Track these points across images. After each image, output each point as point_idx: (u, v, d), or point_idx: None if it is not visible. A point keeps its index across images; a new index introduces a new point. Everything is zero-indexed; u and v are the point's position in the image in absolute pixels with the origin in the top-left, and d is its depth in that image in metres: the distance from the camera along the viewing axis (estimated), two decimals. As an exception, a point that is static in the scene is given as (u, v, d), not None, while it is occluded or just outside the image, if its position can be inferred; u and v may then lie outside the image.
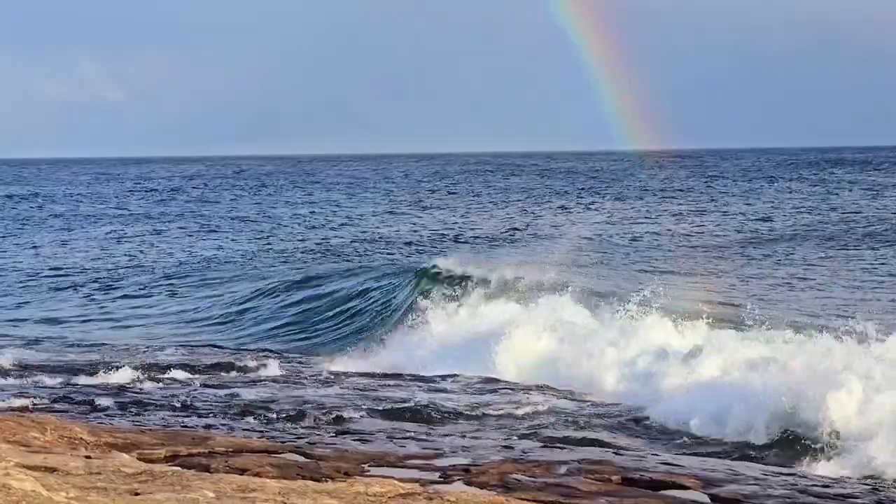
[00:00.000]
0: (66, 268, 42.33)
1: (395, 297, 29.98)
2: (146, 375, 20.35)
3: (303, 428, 16.28)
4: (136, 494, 6.98)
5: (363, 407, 17.77)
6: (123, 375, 20.32)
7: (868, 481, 13.68)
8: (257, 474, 10.70)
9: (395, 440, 15.15)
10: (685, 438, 16.51)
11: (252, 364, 22.39)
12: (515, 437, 15.80)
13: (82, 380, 20.15)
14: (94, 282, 38.30)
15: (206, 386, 19.84)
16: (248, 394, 18.96)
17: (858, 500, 12.26)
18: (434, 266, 30.28)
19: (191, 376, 20.83)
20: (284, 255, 43.72)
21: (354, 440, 15.09)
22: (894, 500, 12.48)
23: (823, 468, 14.71)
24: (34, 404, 17.25)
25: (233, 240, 51.42)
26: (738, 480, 12.84)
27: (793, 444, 15.81)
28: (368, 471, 12.70)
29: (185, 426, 16.15)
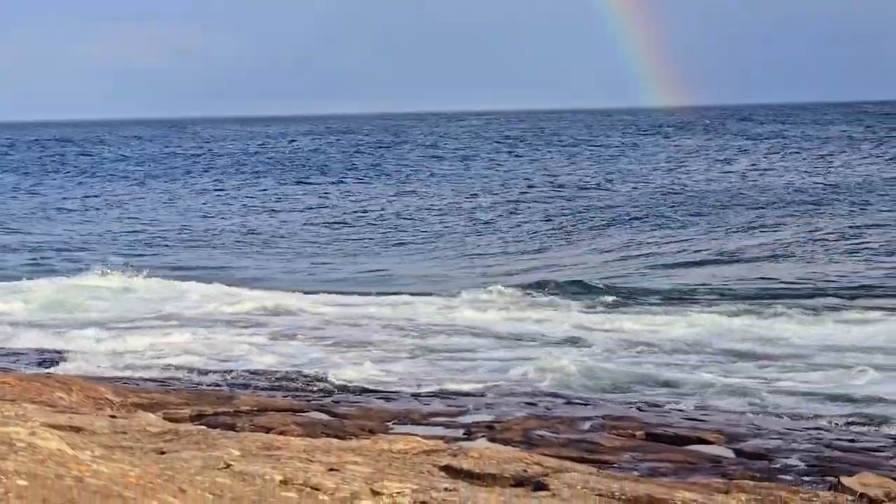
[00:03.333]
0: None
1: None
2: None
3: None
4: (162, 453, 6.99)
5: None
6: None
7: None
8: (282, 433, 10.75)
9: (419, 398, 15.19)
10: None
11: None
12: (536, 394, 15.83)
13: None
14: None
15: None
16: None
17: (884, 454, 12.17)
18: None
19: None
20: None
21: (378, 398, 15.13)
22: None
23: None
24: None
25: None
26: (762, 435, 12.83)
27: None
28: (392, 428, 12.76)
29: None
